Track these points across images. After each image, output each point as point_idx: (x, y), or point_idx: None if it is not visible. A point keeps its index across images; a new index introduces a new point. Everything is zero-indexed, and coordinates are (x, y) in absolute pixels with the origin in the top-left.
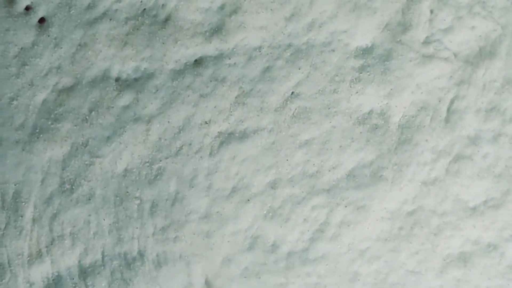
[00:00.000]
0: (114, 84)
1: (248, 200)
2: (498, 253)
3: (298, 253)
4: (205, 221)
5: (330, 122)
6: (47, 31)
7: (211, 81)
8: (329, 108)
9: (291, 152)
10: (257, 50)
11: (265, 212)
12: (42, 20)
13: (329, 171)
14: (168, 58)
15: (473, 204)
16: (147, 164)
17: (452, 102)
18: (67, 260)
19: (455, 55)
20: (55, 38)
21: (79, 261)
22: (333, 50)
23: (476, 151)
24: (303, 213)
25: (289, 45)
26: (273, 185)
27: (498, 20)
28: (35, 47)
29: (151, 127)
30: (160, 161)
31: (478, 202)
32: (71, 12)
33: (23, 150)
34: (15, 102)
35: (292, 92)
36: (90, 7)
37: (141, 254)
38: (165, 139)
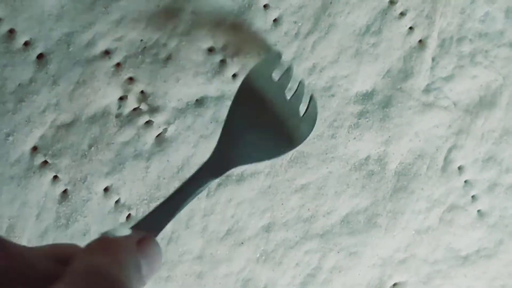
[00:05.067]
0: (114, 120)
1: (242, 243)
2: None
3: None
4: (198, 262)
5: (327, 168)
6: (45, 68)
7: (211, 122)
8: (326, 154)
9: (287, 196)
10: None
11: (258, 255)
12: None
13: (324, 216)
14: (170, 96)
15: (465, 253)
16: (145, 201)
17: (449, 151)
18: None
19: (455, 104)
20: (53, 75)
21: None
22: (333, 95)
23: (471, 201)
24: (295, 257)
25: (289, 89)
26: (267, 229)
27: (500, 70)
28: (33, 83)
29: (150, 164)
30: (158, 199)
31: (470, 251)
32: (70, 50)
33: (18, 185)
34: (11, 138)
35: None
36: (89, 44)
37: None
38: (164, 178)
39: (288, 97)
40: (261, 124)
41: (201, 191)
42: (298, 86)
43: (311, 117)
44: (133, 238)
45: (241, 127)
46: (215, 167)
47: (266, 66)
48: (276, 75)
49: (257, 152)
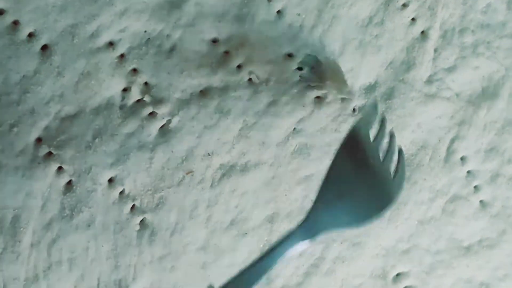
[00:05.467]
0: (118, 111)
1: (246, 233)
2: None
3: (292, 287)
4: (202, 253)
5: (330, 159)
6: (49, 59)
7: (215, 113)
8: (329, 146)
9: (290, 187)
10: (264, 84)
11: (261, 245)
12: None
13: None
14: (174, 87)
15: (468, 243)
16: (150, 192)
17: (452, 142)
18: (63, 285)
19: (457, 95)
20: (58, 67)
21: (75, 287)
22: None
23: (473, 191)
24: None
25: (297, 82)
26: (271, 220)
27: (502, 61)
28: (37, 75)
29: (154, 155)
30: (163, 190)
31: (472, 241)
32: (74, 41)
33: (23, 176)
34: (15, 129)
35: (294, 128)
36: (93, 36)
37: (136, 282)
38: (168, 169)
39: (382, 157)
40: (357, 189)
41: (291, 252)
42: (390, 143)
43: (400, 180)
44: None
45: (338, 192)
46: (307, 230)
47: (366, 124)
48: (372, 132)
49: (349, 218)
